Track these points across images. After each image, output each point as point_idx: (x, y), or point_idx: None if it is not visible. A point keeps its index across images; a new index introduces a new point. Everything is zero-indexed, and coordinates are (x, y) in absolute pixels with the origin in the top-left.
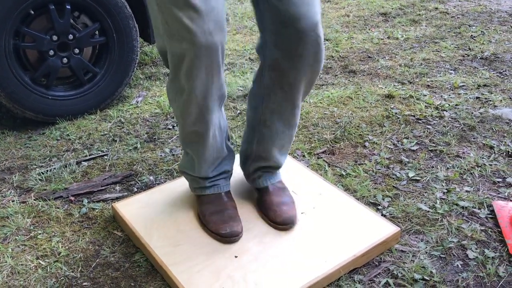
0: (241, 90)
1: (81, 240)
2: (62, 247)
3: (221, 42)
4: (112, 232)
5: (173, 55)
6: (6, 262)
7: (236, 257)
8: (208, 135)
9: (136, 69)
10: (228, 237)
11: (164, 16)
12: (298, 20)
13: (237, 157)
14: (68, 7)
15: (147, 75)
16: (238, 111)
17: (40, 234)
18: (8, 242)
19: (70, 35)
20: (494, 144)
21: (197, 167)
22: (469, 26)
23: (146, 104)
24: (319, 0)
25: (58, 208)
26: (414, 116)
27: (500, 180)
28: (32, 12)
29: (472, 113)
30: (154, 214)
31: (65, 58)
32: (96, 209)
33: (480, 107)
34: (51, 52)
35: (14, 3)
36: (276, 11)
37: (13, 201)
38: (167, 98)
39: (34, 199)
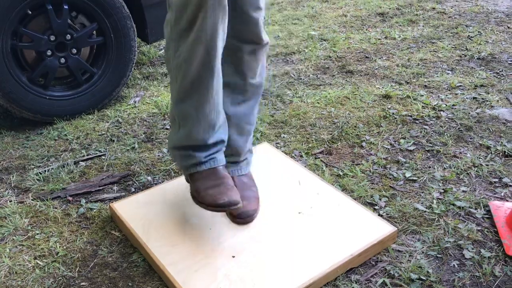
0: None
1: (79, 240)
2: (59, 247)
3: None
4: (109, 232)
5: (181, 5)
6: (3, 262)
7: (233, 257)
8: (212, 84)
9: (134, 69)
10: (227, 206)
11: None
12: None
13: None
14: (66, 7)
15: (145, 75)
16: None
17: (37, 234)
18: (6, 242)
19: (68, 35)
20: (490, 144)
21: (195, 129)
22: (466, 26)
23: (143, 104)
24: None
25: (56, 208)
26: (411, 116)
27: (496, 180)
28: (30, 12)
29: (469, 113)
30: (151, 214)
31: (62, 58)
32: (94, 209)
33: (477, 107)
34: (49, 52)
35: (11, 3)
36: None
37: (10, 201)
38: (166, 52)
39: (32, 199)
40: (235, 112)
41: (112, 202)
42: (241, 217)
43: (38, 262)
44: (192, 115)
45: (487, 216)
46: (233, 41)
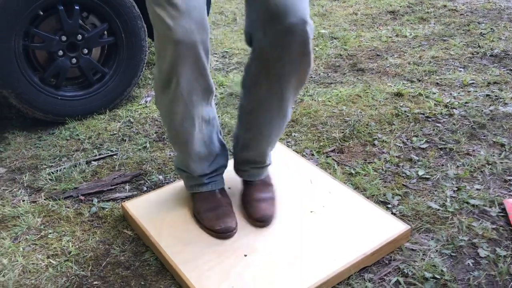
0: None
1: (91, 239)
2: (72, 246)
3: (202, 41)
4: (122, 231)
5: (158, 53)
6: (17, 261)
7: (245, 256)
8: (194, 130)
9: (145, 69)
10: (223, 233)
11: (149, 15)
12: (285, 14)
13: None
14: (77, 7)
15: None
16: None
17: (50, 233)
18: (19, 242)
19: (79, 35)
20: (505, 141)
21: (190, 163)
22: (478, 23)
23: (154, 104)
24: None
25: (68, 207)
26: (423, 114)
27: (511, 178)
28: (41, 13)
29: (482, 110)
30: (163, 213)
31: (74, 59)
32: (106, 208)
33: (490, 105)
34: (60, 53)
35: (23, 5)
36: (265, 2)
37: (23, 200)
38: (154, 99)
39: (44, 199)
40: (269, 125)
41: (124, 201)
42: (261, 220)
43: (51, 261)
44: (184, 153)
45: (501, 214)
46: (272, 53)
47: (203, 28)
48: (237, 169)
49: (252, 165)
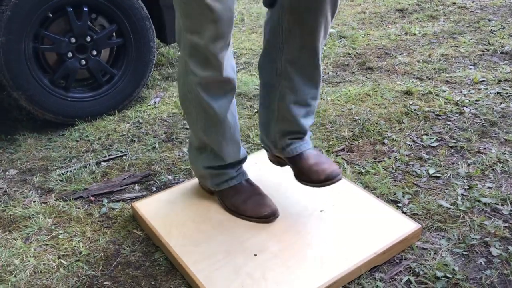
0: (257, 89)
1: (102, 240)
2: (83, 246)
3: (232, 20)
4: (132, 232)
5: (192, 30)
6: (29, 261)
7: (255, 255)
8: (229, 108)
9: (153, 70)
10: (271, 216)
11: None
12: None
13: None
14: (86, 9)
15: (164, 75)
16: (255, 110)
17: (61, 234)
18: (31, 242)
19: (88, 37)
20: None
21: (226, 152)
22: (488, 20)
23: (163, 105)
24: None
25: (78, 208)
26: (433, 112)
27: None
28: (51, 15)
29: (493, 108)
30: (173, 213)
31: (83, 60)
32: (116, 208)
33: (501, 102)
34: (70, 54)
35: (33, 7)
36: None
37: (34, 201)
38: (178, 89)
39: (54, 200)
40: (304, 88)
41: (134, 201)
42: (329, 178)
43: (62, 261)
44: (221, 142)
45: None
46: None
47: (232, 9)
48: (280, 148)
49: (293, 136)
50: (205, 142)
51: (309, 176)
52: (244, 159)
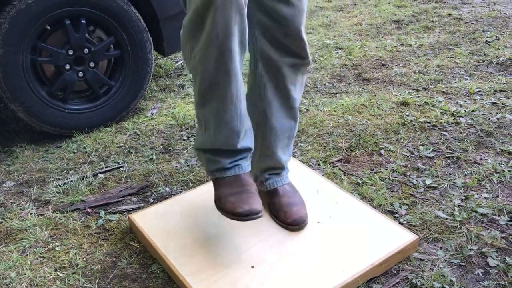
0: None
1: (98, 252)
2: (79, 258)
3: None
4: (128, 243)
5: None
6: (25, 274)
7: (252, 267)
8: (230, 89)
9: (151, 81)
10: (246, 215)
11: None
12: (285, 22)
13: None
14: (83, 21)
15: (162, 87)
16: None
17: (58, 246)
18: (27, 255)
19: (86, 49)
20: None
21: (218, 135)
22: (484, 31)
23: (161, 116)
24: (305, 9)
25: (75, 220)
26: (429, 123)
27: None
28: (49, 28)
29: (489, 118)
30: (170, 225)
31: (81, 72)
32: (113, 220)
33: (497, 113)
34: (67, 66)
35: (31, 19)
36: (266, 8)
37: (31, 213)
38: (183, 53)
39: (51, 212)
40: (281, 125)
41: (131, 213)
42: (295, 223)
43: (59, 274)
44: (213, 121)
45: (511, 223)
46: (274, 55)
47: None
48: (258, 182)
49: (271, 172)
50: (203, 119)
51: (278, 215)
52: (243, 151)
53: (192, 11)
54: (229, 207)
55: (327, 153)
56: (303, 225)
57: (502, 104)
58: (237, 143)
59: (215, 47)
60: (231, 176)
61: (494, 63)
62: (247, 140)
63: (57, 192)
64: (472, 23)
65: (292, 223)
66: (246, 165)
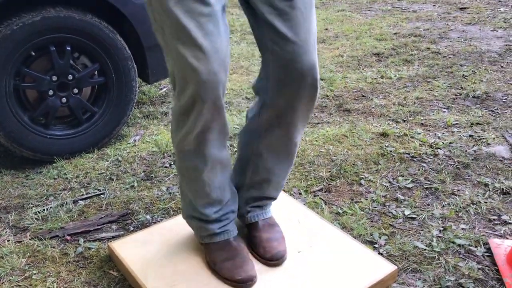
0: (238, 128)
1: (77, 280)
2: (57, 287)
3: (223, 81)
4: (107, 272)
5: (179, 85)
6: None
7: None
8: (204, 174)
9: (134, 108)
10: (245, 282)
11: (169, 50)
12: (297, 62)
13: None
14: (68, 48)
15: (145, 114)
16: (235, 149)
17: (35, 274)
18: (2, 283)
19: (70, 75)
20: (488, 181)
21: (200, 206)
22: (461, 65)
23: (143, 143)
24: (315, 45)
25: (53, 247)
26: (408, 154)
27: (495, 217)
28: (33, 53)
29: (466, 151)
30: (150, 253)
31: (64, 98)
32: (92, 248)
33: (473, 145)
34: (51, 92)
35: (16, 45)
36: (279, 54)
37: (8, 240)
38: (171, 131)
39: (29, 239)
40: (279, 171)
41: (111, 241)
42: (273, 259)
43: None
44: (194, 194)
45: (487, 254)
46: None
47: (225, 69)
48: (241, 214)
49: (255, 203)
50: (185, 190)
51: (257, 250)
52: (227, 215)
53: (177, 100)
54: (226, 274)
55: (309, 182)
56: (281, 261)
57: (479, 136)
58: (219, 211)
59: (194, 139)
60: (222, 241)
61: (471, 96)
62: (229, 205)
63: (36, 218)
64: (449, 57)
65: (271, 258)
66: (233, 229)
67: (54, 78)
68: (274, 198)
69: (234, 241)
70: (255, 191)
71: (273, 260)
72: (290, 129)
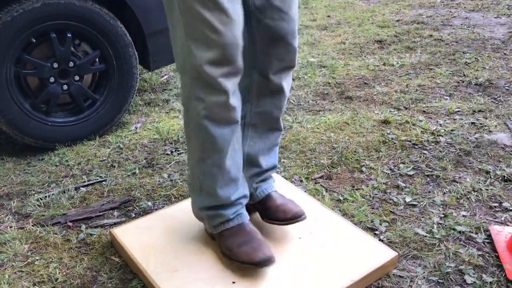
0: None
1: (79, 266)
2: (59, 273)
3: (241, 47)
4: (109, 258)
5: (192, 47)
6: None
7: (233, 282)
8: (233, 141)
9: (136, 95)
10: (264, 263)
11: (188, 20)
12: (286, 36)
13: None
14: (69, 35)
15: (146, 101)
16: None
17: (37, 260)
18: (5, 269)
19: (71, 62)
20: (490, 169)
21: (219, 187)
22: (463, 53)
23: (145, 130)
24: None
25: (56, 234)
26: (410, 141)
27: (496, 204)
28: (34, 40)
29: (468, 138)
30: (151, 239)
31: (65, 85)
32: (94, 234)
33: (475, 132)
34: (52, 79)
35: (16, 32)
36: (269, 24)
37: (11, 227)
38: (185, 113)
39: (32, 225)
40: (272, 136)
41: (112, 227)
42: (296, 216)
43: None
44: (215, 174)
45: (487, 240)
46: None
47: (242, 36)
48: (249, 195)
49: (260, 178)
50: (199, 178)
51: (277, 215)
52: (241, 198)
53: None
54: (244, 257)
55: (310, 170)
56: (303, 217)
57: (481, 124)
58: (235, 192)
59: (225, 102)
60: (236, 225)
61: (473, 84)
62: (243, 187)
63: (38, 205)
64: (452, 45)
65: (293, 216)
66: (246, 213)
67: (55, 65)
68: (276, 166)
69: (248, 225)
70: (256, 168)
71: (296, 218)
72: (280, 93)
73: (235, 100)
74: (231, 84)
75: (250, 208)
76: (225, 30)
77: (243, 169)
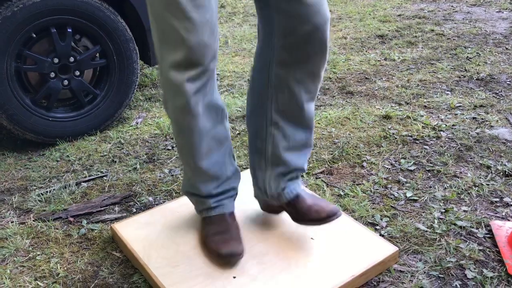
0: (240, 111)
1: (80, 261)
2: (60, 268)
3: (214, 49)
4: (110, 253)
5: (166, 49)
6: (4, 283)
7: (234, 277)
8: (201, 144)
9: (136, 90)
10: (227, 257)
11: (157, 19)
12: (311, 17)
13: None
14: (70, 30)
15: (147, 96)
16: (237, 132)
17: (38, 255)
18: (7, 264)
19: (71, 57)
20: (491, 164)
21: (197, 182)
22: (465, 47)
23: (145, 125)
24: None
25: (57, 229)
26: (411, 136)
27: (497, 200)
28: (34, 35)
29: (469, 133)
30: (153, 234)
31: (66, 80)
32: (95, 230)
33: (476, 127)
34: (52, 75)
35: (16, 27)
36: (288, 13)
37: (12, 222)
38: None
39: (33, 220)
40: (299, 137)
41: (113, 222)
42: (331, 214)
43: (39, 283)
44: (193, 172)
45: (488, 235)
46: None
47: (215, 38)
48: (276, 194)
49: (289, 176)
50: (184, 168)
51: (310, 215)
52: (226, 191)
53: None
54: (212, 247)
55: (311, 165)
56: (338, 215)
57: (482, 119)
58: (217, 187)
59: (189, 111)
60: (216, 215)
61: (475, 79)
62: (230, 182)
63: (39, 200)
64: (454, 39)
65: (328, 215)
66: (230, 205)
67: (56, 60)
68: (303, 169)
69: (229, 217)
70: (281, 167)
71: (331, 216)
72: (300, 90)
73: (200, 108)
74: (195, 89)
75: (276, 209)
76: (190, 37)
77: (267, 168)
